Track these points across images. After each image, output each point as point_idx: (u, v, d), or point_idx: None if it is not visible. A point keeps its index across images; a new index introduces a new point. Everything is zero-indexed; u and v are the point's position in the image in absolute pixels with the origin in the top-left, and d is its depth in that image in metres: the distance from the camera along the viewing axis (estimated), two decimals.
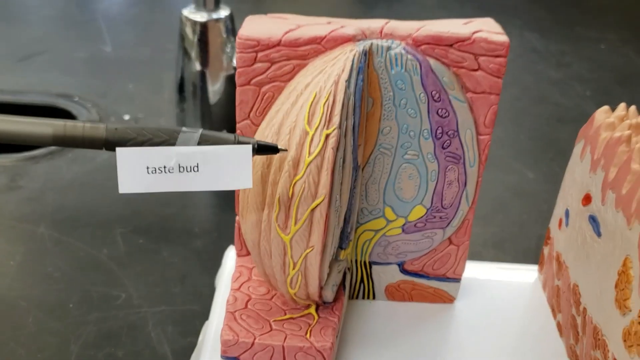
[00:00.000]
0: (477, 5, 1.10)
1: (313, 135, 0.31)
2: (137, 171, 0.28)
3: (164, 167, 0.28)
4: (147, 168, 0.28)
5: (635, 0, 1.20)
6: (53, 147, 0.64)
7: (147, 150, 0.28)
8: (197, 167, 0.28)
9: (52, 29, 0.95)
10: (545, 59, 0.91)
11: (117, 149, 0.28)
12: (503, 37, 0.33)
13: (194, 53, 0.61)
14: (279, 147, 0.30)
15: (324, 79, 0.32)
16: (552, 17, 1.08)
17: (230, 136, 0.29)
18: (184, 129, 0.29)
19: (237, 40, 0.33)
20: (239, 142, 0.29)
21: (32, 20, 0.97)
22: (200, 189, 0.29)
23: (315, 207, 0.31)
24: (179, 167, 0.28)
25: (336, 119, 0.31)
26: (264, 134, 0.33)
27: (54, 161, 0.61)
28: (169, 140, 0.28)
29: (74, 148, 0.28)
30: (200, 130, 0.29)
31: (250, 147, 0.29)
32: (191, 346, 0.41)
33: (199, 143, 0.29)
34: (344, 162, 0.32)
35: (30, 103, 0.73)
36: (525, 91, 0.81)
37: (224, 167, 0.29)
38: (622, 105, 0.38)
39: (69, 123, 0.29)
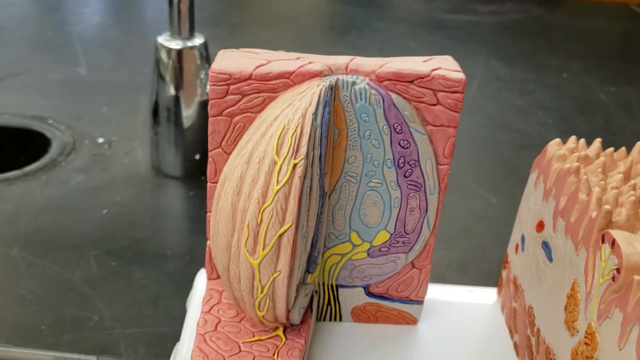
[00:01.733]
0: (445, 34, 1.14)
1: (281, 164, 0.33)
2: None
3: None
4: None
5: (597, 31, 1.25)
6: (26, 169, 0.65)
7: None
8: None
9: (27, 50, 0.95)
10: (510, 87, 0.94)
11: None
12: (460, 75, 0.35)
13: (168, 78, 0.62)
14: None
15: (292, 112, 0.34)
16: (517, 45, 1.12)
17: None
18: None
19: (210, 73, 0.35)
20: None
21: (8, 41, 0.98)
22: None
23: (283, 233, 0.33)
24: None
25: (303, 150, 0.33)
26: (234, 163, 0.35)
27: (28, 183, 0.62)
28: None
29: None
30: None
31: None
32: None
33: None
34: (310, 189, 0.34)
35: (5, 125, 0.74)
36: (489, 118, 0.84)
37: None
38: (573, 138, 0.41)
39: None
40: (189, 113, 0.63)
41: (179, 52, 0.61)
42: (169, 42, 0.61)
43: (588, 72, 1.02)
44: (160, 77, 0.63)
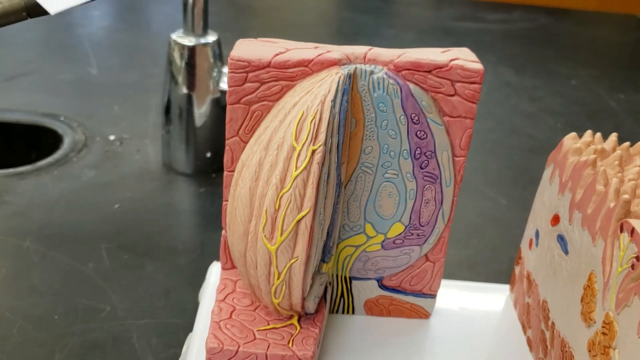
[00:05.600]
0: (454, 40, 1.14)
1: (300, 150, 0.33)
2: None
3: None
4: None
5: (605, 40, 1.25)
6: (39, 164, 0.65)
7: None
8: None
9: (38, 51, 0.96)
10: (519, 94, 0.94)
11: None
12: (478, 65, 0.36)
13: (181, 77, 0.63)
14: None
15: (311, 99, 0.34)
16: (526, 53, 1.12)
17: None
18: None
19: (229, 60, 0.35)
20: None
21: (19, 42, 0.99)
22: None
23: (301, 219, 0.33)
24: None
25: (322, 136, 0.33)
26: (252, 150, 0.35)
27: (40, 178, 0.62)
28: None
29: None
30: None
31: None
32: (175, 357, 0.42)
33: None
34: (328, 177, 0.34)
35: (16, 122, 0.74)
36: (499, 123, 0.85)
37: None
38: (589, 132, 0.41)
39: None
40: (201, 111, 0.63)
41: (192, 49, 0.61)
42: (182, 39, 0.62)
43: (596, 80, 1.02)
44: (173, 75, 0.63)
